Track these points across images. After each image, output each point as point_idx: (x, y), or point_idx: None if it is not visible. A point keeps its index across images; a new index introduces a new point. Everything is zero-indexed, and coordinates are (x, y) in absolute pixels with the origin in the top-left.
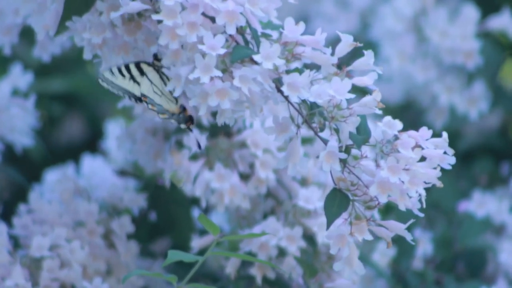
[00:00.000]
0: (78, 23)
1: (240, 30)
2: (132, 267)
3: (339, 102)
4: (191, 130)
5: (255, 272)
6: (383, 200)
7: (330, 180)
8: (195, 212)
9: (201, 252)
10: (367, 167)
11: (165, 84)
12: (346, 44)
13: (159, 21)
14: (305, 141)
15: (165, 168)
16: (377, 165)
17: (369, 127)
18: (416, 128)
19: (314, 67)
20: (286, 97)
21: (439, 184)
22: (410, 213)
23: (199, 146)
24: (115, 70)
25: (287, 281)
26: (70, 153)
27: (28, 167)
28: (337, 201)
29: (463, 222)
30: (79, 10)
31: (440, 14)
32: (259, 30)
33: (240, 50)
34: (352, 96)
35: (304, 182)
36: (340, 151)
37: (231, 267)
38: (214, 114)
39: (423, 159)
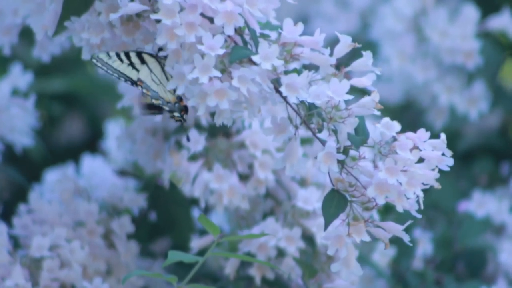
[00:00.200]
0: (77, 23)
1: (238, 31)
2: (132, 267)
3: (337, 103)
4: (184, 120)
5: (254, 272)
6: (381, 201)
7: (329, 181)
8: (195, 212)
9: (201, 252)
10: (365, 168)
11: (167, 77)
12: (345, 45)
13: (158, 21)
14: (305, 141)
15: (164, 169)
16: (375, 166)
17: (367, 128)
18: (416, 128)
19: (313, 67)
20: (285, 98)
21: (437, 185)
22: (409, 213)
23: (188, 139)
24: (113, 54)
25: (286, 281)
26: (70, 153)
27: (28, 167)
28: (335, 202)
29: (463, 222)
30: (78, 11)
31: (440, 14)
32: (258, 30)
33: (239, 50)
34: (351, 97)
35: (303, 183)
36: (338, 152)
37: (230, 268)
38: (213, 114)
39: (421, 160)
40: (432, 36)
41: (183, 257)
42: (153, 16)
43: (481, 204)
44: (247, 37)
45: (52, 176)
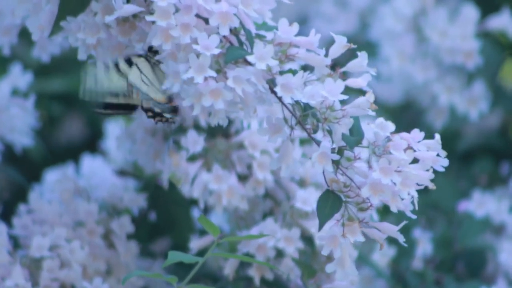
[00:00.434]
0: (73, 24)
1: (234, 31)
2: (132, 267)
3: (332, 103)
4: (174, 122)
5: (253, 273)
6: (375, 201)
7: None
8: (195, 212)
9: (201, 252)
10: (360, 169)
11: (157, 77)
12: (340, 45)
13: (153, 22)
14: (304, 141)
15: (164, 169)
16: (370, 167)
17: (362, 128)
18: (416, 128)
19: (310, 68)
20: (280, 98)
21: (431, 186)
22: (406, 216)
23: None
24: (112, 66)
25: (286, 282)
26: (70, 153)
27: (28, 167)
28: (330, 203)
29: (462, 222)
30: (74, 11)
31: (440, 14)
32: (253, 31)
33: (234, 51)
34: (345, 97)
35: (302, 183)
36: (333, 152)
37: (229, 268)
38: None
39: (416, 161)
40: (432, 36)
41: (183, 258)
42: (149, 18)
43: (481, 204)
44: (242, 38)
45: (52, 176)
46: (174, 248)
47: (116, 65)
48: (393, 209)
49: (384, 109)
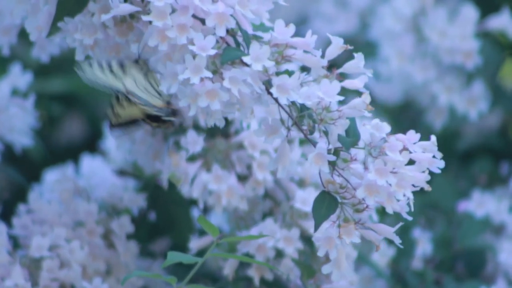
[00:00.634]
0: (70, 24)
1: (231, 32)
2: (132, 267)
3: (328, 104)
4: (173, 125)
5: (253, 273)
6: (371, 202)
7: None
8: (195, 212)
9: (200, 252)
10: (356, 170)
11: (150, 83)
12: (337, 46)
13: (150, 22)
14: (303, 141)
15: (163, 169)
16: (365, 168)
17: (358, 129)
18: (416, 128)
19: (307, 69)
20: (276, 99)
21: (427, 187)
22: (407, 215)
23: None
24: (106, 66)
25: (285, 282)
26: (69, 153)
27: (27, 167)
28: (326, 204)
29: (462, 222)
30: (72, 11)
31: (439, 14)
32: (250, 32)
33: (230, 51)
34: (341, 98)
35: (301, 183)
36: (329, 153)
37: (229, 269)
38: None
39: (412, 162)
40: (431, 36)
41: (182, 258)
42: (145, 18)
43: (480, 204)
44: (239, 39)
45: (52, 176)
46: (174, 248)
47: (110, 66)
48: (389, 210)
49: (383, 109)
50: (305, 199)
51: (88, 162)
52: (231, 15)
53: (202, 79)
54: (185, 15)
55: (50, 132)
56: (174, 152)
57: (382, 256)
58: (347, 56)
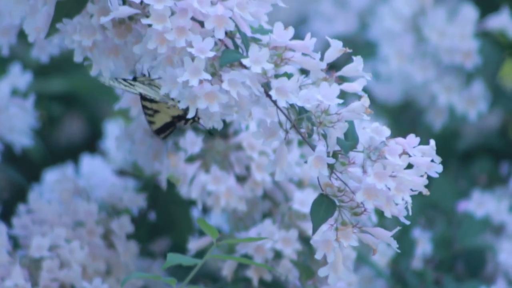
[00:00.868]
0: (69, 25)
1: (230, 34)
2: (132, 267)
3: (327, 107)
4: (196, 121)
5: (252, 274)
6: (369, 206)
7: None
8: (195, 212)
9: (200, 252)
10: (354, 173)
11: (156, 92)
12: (336, 49)
13: (149, 25)
14: (302, 142)
15: (162, 170)
16: (364, 171)
17: (357, 133)
18: (415, 128)
19: (307, 72)
20: (274, 102)
21: (425, 192)
22: (406, 217)
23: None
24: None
25: (284, 283)
26: (69, 153)
27: (27, 167)
28: (324, 207)
29: (462, 222)
30: (70, 13)
31: (438, 14)
32: (249, 34)
33: (229, 54)
34: (341, 101)
35: (300, 184)
36: (328, 156)
37: (227, 270)
38: None
39: (410, 166)
40: (430, 36)
41: (182, 260)
42: (144, 21)
43: (480, 204)
44: (238, 41)
45: (52, 176)
46: (173, 248)
47: (116, 79)
48: (387, 214)
49: (383, 109)
50: (303, 201)
51: (88, 162)
52: (230, 18)
53: (201, 81)
54: (184, 18)
55: (50, 132)
56: (173, 153)
57: (382, 256)
58: (346, 57)
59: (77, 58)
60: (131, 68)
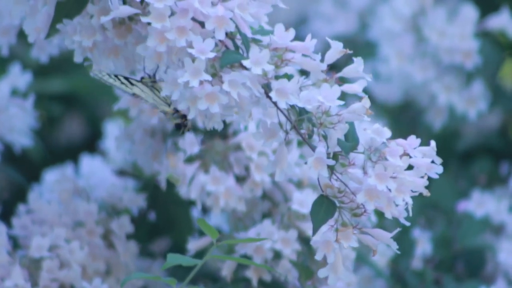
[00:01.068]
0: (69, 26)
1: (230, 35)
2: (132, 267)
3: (327, 109)
4: (185, 126)
5: (251, 274)
6: (370, 207)
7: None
8: (195, 212)
9: (200, 252)
10: (355, 175)
11: (157, 95)
12: (336, 50)
13: (149, 24)
14: (302, 143)
15: (161, 170)
16: (365, 173)
17: (357, 134)
18: (415, 127)
19: (307, 73)
20: (275, 103)
21: (426, 193)
22: (406, 217)
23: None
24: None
25: (283, 283)
26: (69, 153)
27: (27, 167)
28: (324, 208)
29: (462, 222)
30: (70, 13)
31: (438, 14)
32: (249, 35)
33: (230, 55)
34: (341, 102)
35: (300, 184)
36: (328, 157)
37: (227, 270)
38: None
39: (410, 167)
40: (430, 36)
41: (181, 261)
42: (144, 19)
43: (480, 204)
44: (238, 42)
45: (51, 176)
46: (173, 248)
47: (117, 77)
48: (388, 215)
49: (383, 109)
50: (302, 201)
51: (88, 162)
52: (231, 19)
53: (201, 82)
54: (185, 18)
55: (49, 132)
56: (172, 153)
57: (382, 256)
58: (346, 58)
59: (77, 58)
60: (131, 68)
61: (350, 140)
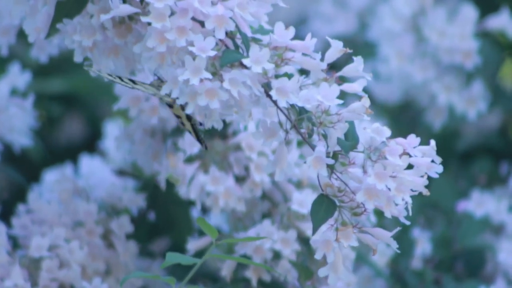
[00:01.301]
0: (69, 26)
1: (230, 35)
2: (131, 267)
3: (327, 108)
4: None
5: (251, 274)
6: (370, 206)
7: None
8: (194, 212)
9: (199, 251)
10: (355, 174)
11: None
12: (336, 50)
13: (149, 24)
14: (301, 143)
15: (161, 171)
16: (364, 172)
17: (357, 133)
18: (415, 127)
19: (307, 72)
20: (275, 102)
21: (425, 192)
22: (406, 217)
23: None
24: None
25: (283, 283)
26: (69, 153)
27: (27, 167)
28: (324, 207)
29: (462, 222)
30: (70, 13)
31: (438, 14)
32: (249, 34)
33: (230, 54)
34: (341, 101)
35: (299, 185)
36: (328, 156)
37: (226, 270)
38: None
39: (410, 166)
40: (430, 36)
41: (181, 259)
42: (144, 19)
43: (480, 204)
44: (238, 41)
45: (51, 176)
46: (173, 248)
47: (119, 77)
48: (387, 214)
49: (383, 109)
50: (302, 201)
51: (88, 162)
52: (231, 18)
53: (201, 80)
54: (185, 18)
55: (49, 132)
56: (172, 153)
57: (382, 256)
58: (346, 57)
59: (77, 58)
60: (131, 68)
61: (350, 139)
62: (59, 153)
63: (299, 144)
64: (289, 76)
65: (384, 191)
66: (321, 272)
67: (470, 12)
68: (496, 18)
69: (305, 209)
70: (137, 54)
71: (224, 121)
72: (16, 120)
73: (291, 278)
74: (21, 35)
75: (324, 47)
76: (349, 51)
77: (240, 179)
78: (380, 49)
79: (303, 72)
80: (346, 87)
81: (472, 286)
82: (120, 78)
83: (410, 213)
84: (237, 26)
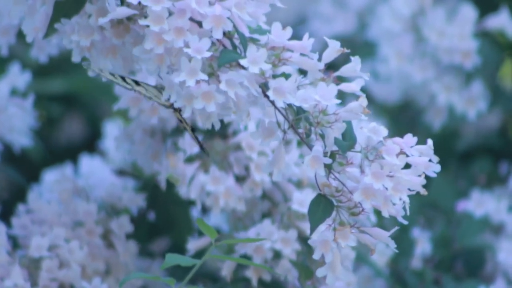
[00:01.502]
0: (67, 26)
1: (228, 35)
2: (131, 267)
3: (325, 108)
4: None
5: (251, 274)
6: (367, 206)
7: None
8: (194, 212)
9: (199, 251)
10: (352, 173)
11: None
12: (334, 50)
13: (147, 26)
14: (301, 143)
15: (161, 171)
16: (362, 171)
17: (354, 133)
18: (415, 127)
19: (305, 72)
20: (272, 102)
21: (423, 191)
22: (405, 217)
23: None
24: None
25: (283, 283)
26: (69, 153)
27: (27, 167)
28: (322, 207)
29: (461, 222)
30: (69, 13)
31: (438, 14)
32: (247, 34)
33: (227, 54)
34: (338, 101)
35: (299, 184)
36: (325, 156)
37: (226, 270)
38: None
39: (408, 166)
40: (430, 36)
41: (180, 261)
42: (142, 22)
43: (479, 204)
44: (236, 41)
45: (51, 176)
46: (173, 248)
47: (122, 77)
48: (385, 214)
49: (382, 109)
50: (302, 201)
51: (87, 162)
52: (228, 18)
53: (197, 82)
54: (182, 18)
55: (49, 132)
56: (172, 153)
57: (381, 256)
58: (344, 57)
59: (75, 58)
60: (129, 68)
61: (348, 139)
62: (59, 153)
63: (299, 144)
64: (287, 76)
65: (381, 191)
66: (319, 272)
67: (469, 12)
68: (496, 18)
69: (305, 208)
70: (135, 55)
71: (223, 121)
72: (16, 120)
73: (291, 278)
74: (21, 35)
75: (323, 48)
76: (346, 51)
77: (240, 179)
78: (380, 49)
79: (302, 72)
80: (344, 86)
81: (472, 286)
82: (122, 78)
83: (408, 213)
84: (235, 26)
